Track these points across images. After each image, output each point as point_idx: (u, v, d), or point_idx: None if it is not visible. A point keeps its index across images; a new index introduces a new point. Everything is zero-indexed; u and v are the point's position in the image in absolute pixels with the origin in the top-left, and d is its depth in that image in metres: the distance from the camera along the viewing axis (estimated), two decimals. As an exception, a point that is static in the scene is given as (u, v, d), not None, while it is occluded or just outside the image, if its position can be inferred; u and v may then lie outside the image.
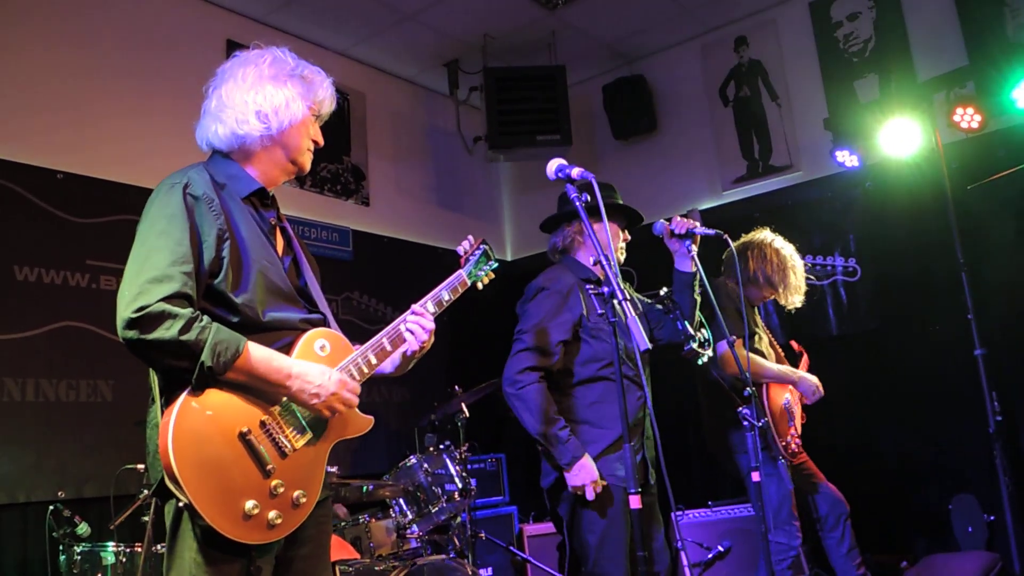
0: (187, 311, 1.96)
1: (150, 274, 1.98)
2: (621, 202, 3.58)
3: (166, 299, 1.94)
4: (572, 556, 3.24)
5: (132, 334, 1.92)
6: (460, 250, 2.71)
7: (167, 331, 1.92)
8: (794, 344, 4.64)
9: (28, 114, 4.59)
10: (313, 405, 2.11)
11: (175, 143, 4.97)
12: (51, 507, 3.82)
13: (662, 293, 3.38)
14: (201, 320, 1.98)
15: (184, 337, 1.92)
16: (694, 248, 3.34)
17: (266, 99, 2.24)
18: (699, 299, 3.42)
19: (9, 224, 4.39)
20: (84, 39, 4.91)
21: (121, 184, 4.81)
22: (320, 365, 2.16)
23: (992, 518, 4.77)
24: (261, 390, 2.07)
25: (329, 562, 2.34)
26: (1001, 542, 4.61)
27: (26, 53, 4.64)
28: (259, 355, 2.04)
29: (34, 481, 4.24)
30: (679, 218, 3.38)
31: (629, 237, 3.50)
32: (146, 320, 1.91)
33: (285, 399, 2.11)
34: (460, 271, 2.65)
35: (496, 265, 2.75)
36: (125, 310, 1.93)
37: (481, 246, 2.73)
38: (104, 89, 4.96)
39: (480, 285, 2.71)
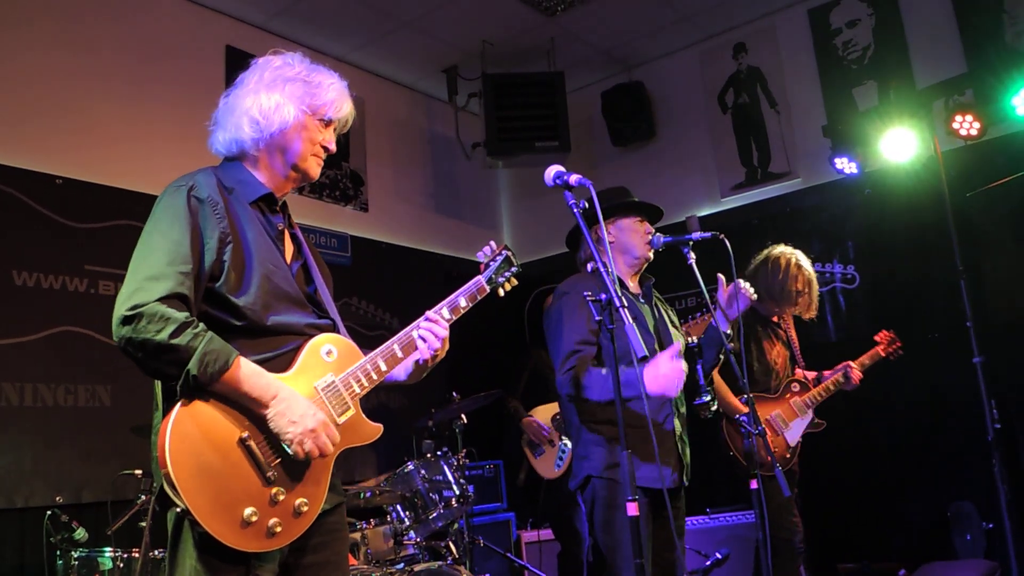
0: (182, 315, 1.93)
1: (147, 272, 1.97)
2: (636, 199, 3.59)
3: (162, 299, 1.93)
4: (595, 558, 3.27)
5: (125, 331, 1.91)
6: (481, 256, 2.63)
7: (159, 333, 1.89)
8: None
9: (27, 119, 4.59)
10: (287, 435, 2.01)
11: (174, 148, 4.99)
12: (49, 512, 3.79)
13: (692, 341, 3.40)
14: (196, 326, 1.95)
15: (174, 341, 1.90)
16: (692, 255, 3.35)
17: (258, 104, 2.22)
18: (722, 358, 3.42)
19: (8, 229, 4.39)
20: (84, 44, 4.92)
21: (120, 189, 4.81)
22: (308, 401, 2.07)
23: (991, 526, 4.76)
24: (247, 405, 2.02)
25: (346, 571, 2.27)
26: (1000, 550, 4.60)
27: (26, 58, 4.65)
28: (248, 371, 1.99)
29: (32, 486, 4.23)
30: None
31: (652, 229, 3.50)
32: (139, 319, 1.90)
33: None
34: (479, 277, 2.57)
35: (518, 270, 2.66)
36: (120, 307, 1.93)
37: (504, 251, 2.65)
38: (103, 94, 4.97)
39: (501, 292, 2.62)
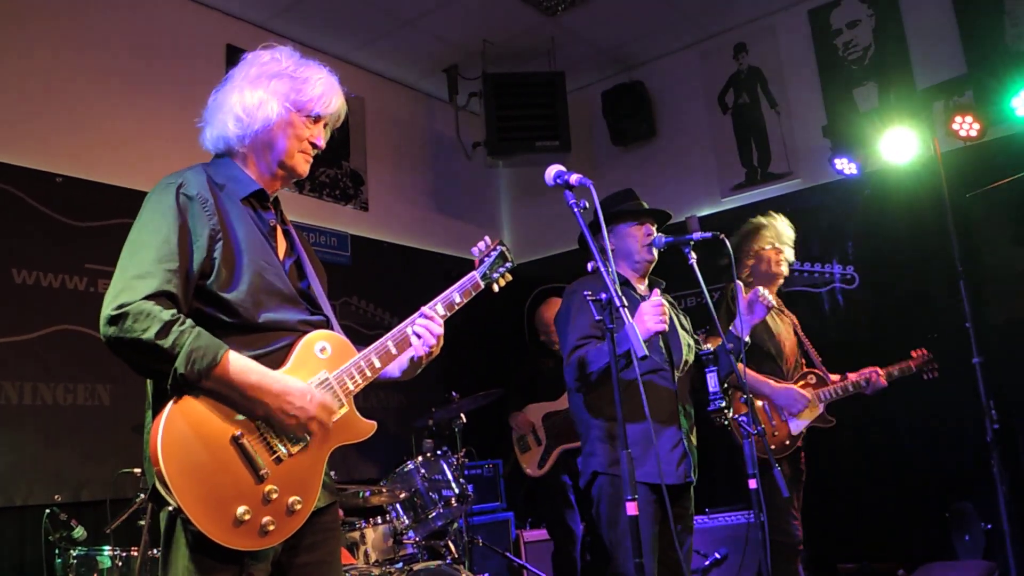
0: (167, 313, 1.91)
1: (134, 271, 1.96)
2: (646, 205, 3.61)
3: (149, 297, 1.91)
4: (597, 555, 3.27)
5: (111, 331, 1.90)
6: (475, 251, 2.61)
7: (144, 332, 1.88)
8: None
9: (28, 118, 4.59)
10: (289, 425, 2.03)
11: (174, 147, 4.97)
12: (48, 510, 3.80)
13: (710, 348, 3.39)
14: (182, 323, 1.93)
15: (160, 341, 1.88)
16: (693, 255, 3.35)
17: (241, 101, 2.19)
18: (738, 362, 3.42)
19: (7, 227, 4.39)
20: (84, 44, 4.92)
21: (120, 188, 4.81)
22: (303, 385, 2.07)
23: (989, 526, 4.76)
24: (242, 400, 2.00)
25: (340, 570, 2.26)
26: (998, 551, 4.60)
27: (26, 57, 4.65)
28: (238, 366, 1.97)
29: (31, 484, 4.23)
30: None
31: (653, 231, 3.52)
32: (125, 318, 1.89)
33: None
34: (473, 272, 2.55)
35: (513, 266, 2.64)
36: (107, 307, 1.92)
37: (498, 247, 2.63)
38: (104, 93, 4.97)
39: (496, 287, 2.60)
